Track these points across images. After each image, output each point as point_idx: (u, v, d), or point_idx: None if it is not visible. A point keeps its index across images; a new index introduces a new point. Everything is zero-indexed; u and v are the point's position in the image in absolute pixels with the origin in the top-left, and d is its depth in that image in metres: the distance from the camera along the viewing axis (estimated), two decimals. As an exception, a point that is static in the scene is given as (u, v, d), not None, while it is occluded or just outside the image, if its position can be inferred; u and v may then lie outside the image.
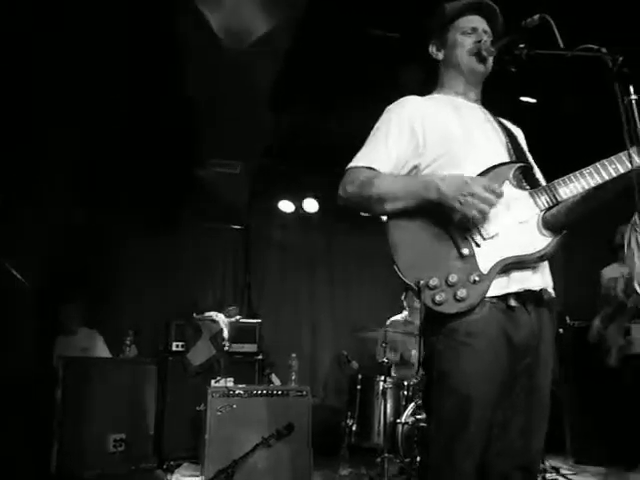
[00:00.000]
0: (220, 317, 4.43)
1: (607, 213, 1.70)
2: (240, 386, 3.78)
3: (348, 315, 6.22)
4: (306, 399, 3.89)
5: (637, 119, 1.34)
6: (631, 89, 1.35)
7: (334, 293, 6.45)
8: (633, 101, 1.35)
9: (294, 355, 4.10)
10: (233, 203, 5.57)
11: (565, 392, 4.97)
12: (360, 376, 4.26)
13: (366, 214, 1.71)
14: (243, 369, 4.59)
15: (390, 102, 1.83)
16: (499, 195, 1.55)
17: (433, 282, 1.52)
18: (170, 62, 3.77)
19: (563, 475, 4.30)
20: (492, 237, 1.57)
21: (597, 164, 1.58)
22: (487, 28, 1.85)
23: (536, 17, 1.63)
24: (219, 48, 3.44)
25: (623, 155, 1.55)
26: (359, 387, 4.20)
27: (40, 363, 4.60)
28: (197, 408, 3.82)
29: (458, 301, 1.50)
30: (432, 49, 1.93)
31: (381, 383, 4.07)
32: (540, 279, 1.64)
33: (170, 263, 5.69)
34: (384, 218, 1.68)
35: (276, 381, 4.41)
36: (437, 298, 1.51)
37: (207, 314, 4.78)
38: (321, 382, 6.00)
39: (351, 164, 1.73)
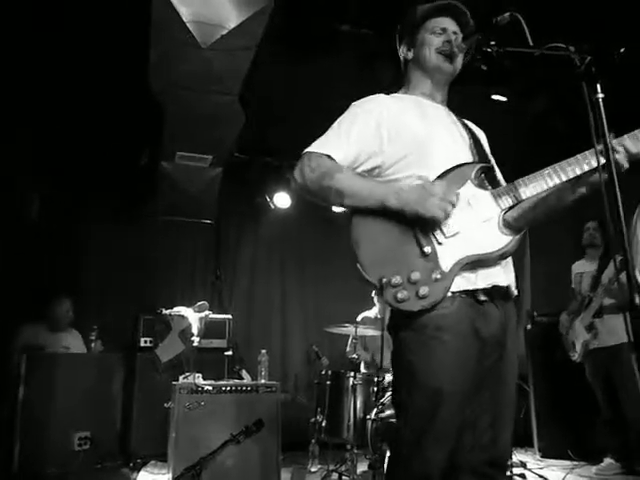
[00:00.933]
0: (189, 312, 4.35)
1: (573, 210, 1.71)
2: (209, 382, 3.74)
3: (319, 311, 6.22)
4: (276, 395, 3.87)
5: (604, 118, 1.35)
6: (598, 88, 1.36)
7: (305, 288, 6.44)
8: (600, 100, 1.36)
9: (264, 351, 4.07)
10: (204, 197, 5.49)
11: (533, 386, 5.06)
12: (330, 372, 4.25)
13: (320, 203, 1.69)
14: (212, 365, 4.53)
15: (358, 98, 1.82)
16: (457, 196, 1.57)
17: (395, 280, 1.52)
18: (138, 49, 3.68)
19: (530, 469, 4.37)
20: (453, 235, 1.58)
21: (557, 165, 1.60)
22: (457, 29, 1.86)
23: (506, 15, 1.63)
24: (189, 37, 3.37)
25: (581, 156, 1.58)
26: (329, 383, 4.20)
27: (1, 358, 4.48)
28: (165, 405, 3.77)
29: (420, 299, 1.51)
30: (402, 49, 1.94)
31: (351, 379, 4.07)
32: (505, 276, 1.66)
33: (139, 257, 5.59)
34: (345, 211, 1.67)
35: (246, 377, 4.37)
36: (399, 296, 1.51)
37: (176, 309, 4.69)
38: (291, 378, 5.99)
39: (310, 149, 1.70)
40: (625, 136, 1.58)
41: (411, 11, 1.91)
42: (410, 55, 1.91)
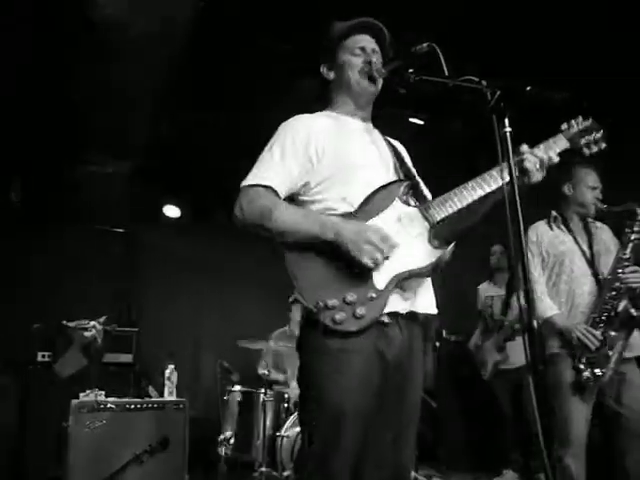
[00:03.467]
0: (93, 325, 4.14)
1: (478, 230, 1.82)
2: (111, 399, 3.56)
3: (232, 326, 6.06)
4: (183, 412, 3.75)
5: (510, 150, 1.42)
6: (506, 122, 1.43)
7: (219, 303, 6.29)
8: (508, 134, 1.43)
9: (172, 366, 3.93)
10: (115, 205, 5.26)
11: (439, 402, 5.23)
12: (241, 388, 4.18)
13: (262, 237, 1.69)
14: (117, 381, 4.33)
15: (278, 112, 1.81)
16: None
17: (332, 302, 1.53)
18: (45, 51, 3.48)
19: (434, 482, 4.50)
20: (387, 255, 1.59)
21: (479, 177, 1.69)
22: (376, 47, 1.90)
23: (425, 45, 1.68)
24: (101, 40, 3.24)
25: (495, 172, 1.67)
26: (239, 399, 4.12)
27: None
28: (63, 424, 3.54)
29: (357, 319, 1.53)
30: (323, 69, 1.95)
31: (262, 395, 4.01)
32: (411, 302, 1.68)
33: (41, 265, 5.24)
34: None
35: (153, 394, 4.20)
36: (337, 317, 1.52)
37: (79, 321, 4.45)
38: (201, 394, 5.82)
39: (247, 182, 1.70)
40: (540, 144, 1.71)
41: (329, 30, 1.92)
42: (331, 75, 1.92)
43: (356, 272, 1.57)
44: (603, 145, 1.83)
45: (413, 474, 4.26)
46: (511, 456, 4.57)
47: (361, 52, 1.87)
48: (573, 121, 1.80)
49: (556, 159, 1.72)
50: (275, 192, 1.67)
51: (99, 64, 3.54)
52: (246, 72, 3.92)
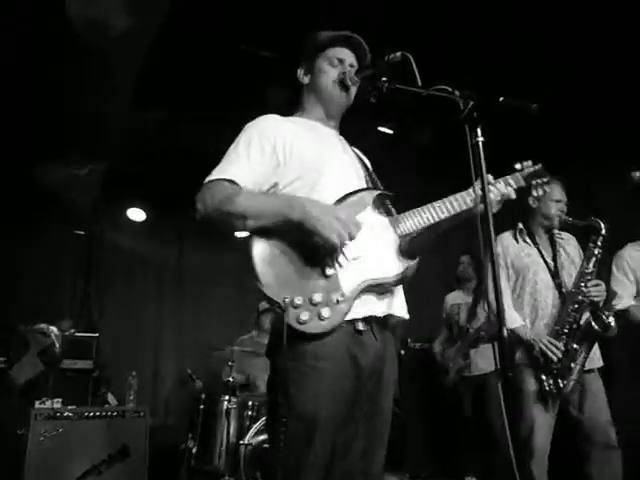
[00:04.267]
0: (52, 330, 4.01)
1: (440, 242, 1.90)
2: (69, 407, 3.46)
3: (195, 332, 5.98)
4: (144, 420, 3.66)
5: (482, 160, 1.44)
6: (479, 132, 1.45)
7: (182, 308, 6.18)
8: (480, 143, 1.44)
9: (134, 373, 3.84)
10: (77, 206, 5.13)
11: (404, 410, 5.26)
12: (204, 395, 4.10)
13: (225, 231, 1.65)
14: (75, 388, 4.20)
15: (251, 116, 1.79)
16: (359, 227, 1.59)
17: (298, 301, 1.52)
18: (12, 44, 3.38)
19: (398, 490, 4.51)
20: (355, 259, 1.60)
21: (446, 199, 1.74)
22: (354, 62, 1.91)
23: (398, 54, 1.70)
24: (73, 38, 3.17)
25: (466, 194, 1.75)
26: (202, 407, 4.04)
27: None
28: (18, 432, 3.41)
29: (321, 320, 1.52)
30: (299, 73, 1.96)
31: (225, 403, 3.94)
32: (387, 305, 1.69)
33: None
34: (246, 234, 1.63)
35: (112, 401, 4.09)
36: (302, 317, 1.50)
37: (37, 326, 4.31)
38: (163, 402, 5.70)
39: (211, 177, 1.67)
40: (499, 179, 1.82)
41: (312, 37, 1.93)
42: (306, 80, 1.93)
43: (325, 272, 1.56)
44: (547, 189, 1.98)
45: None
46: (473, 462, 4.62)
47: (339, 63, 1.89)
48: (525, 163, 1.93)
49: (513, 195, 1.84)
50: (238, 186, 1.65)
51: (70, 64, 3.46)
52: (218, 75, 3.89)
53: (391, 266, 1.65)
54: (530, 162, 1.92)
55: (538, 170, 1.93)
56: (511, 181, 1.85)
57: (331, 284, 1.56)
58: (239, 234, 1.67)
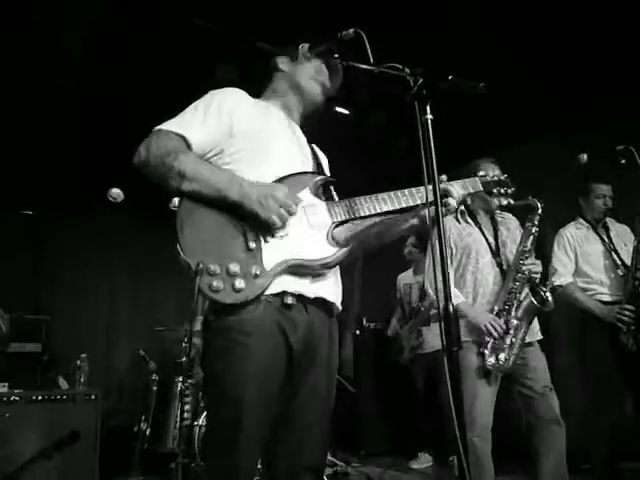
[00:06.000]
0: (-2, 312, 3.88)
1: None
2: (17, 391, 3.36)
3: (149, 312, 5.90)
4: (95, 403, 3.59)
5: (431, 138, 1.44)
6: (428, 109, 1.44)
7: (136, 289, 6.08)
8: (429, 121, 1.44)
9: (84, 355, 3.76)
10: (27, 187, 4.93)
11: (358, 388, 5.33)
12: (157, 377, 4.05)
13: (159, 183, 1.58)
14: (24, 372, 4.09)
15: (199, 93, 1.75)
16: (298, 203, 1.59)
17: (213, 268, 1.48)
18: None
19: (353, 466, 4.58)
20: (282, 237, 1.58)
21: (393, 193, 1.70)
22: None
23: (351, 31, 1.68)
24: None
25: (415, 190, 1.70)
26: (155, 389, 4.00)
27: None
28: (-39, 418, 3.30)
29: (235, 292, 1.48)
30: (281, 59, 1.91)
31: (179, 384, 3.91)
32: (318, 288, 1.65)
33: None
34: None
35: (64, 385, 3.99)
36: (214, 284, 1.47)
37: (-18, 309, 4.16)
38: (116, 384, 5.61)
39: (163, 126, 1.63)
40: (454, 182, 1.76)
41: (314, 35, 1.89)
42: (285, 68, 1.89)
43: (248, 245, 1.53)
44: (512, 201, 1.99)
45: (331, 459, 4.33)
46: (426, 439, 4.75)
47: (331, 72, 1.87)
48: (491, 172, 1.94)
49: (468, 201, 1.80)
50: (188, 145, 1.61)
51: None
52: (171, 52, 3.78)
53: (318, 249, 1.61)
54: (498, 171, 1.89)
55: (504, 180, 1.91)
56: (468, 185, 1.80)
57: (252, 257, 1.52)
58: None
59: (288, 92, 1.88)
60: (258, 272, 1.51)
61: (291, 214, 1.56)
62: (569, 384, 3.63)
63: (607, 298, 3.30)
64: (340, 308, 1.75)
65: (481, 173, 1.89)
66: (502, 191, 1.91)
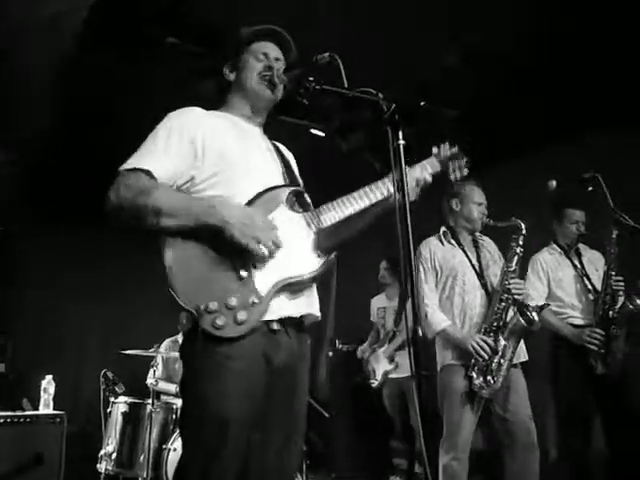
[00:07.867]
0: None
1: (366, 248, 1.88)
2: (-23, 414, 3.25)
3: (118, 334, 5.76)
4: (60, 426, 3.49)
5: (403, 162, 1.46)
6: (400, 135, 1.46)
7: (104, 309, 5.94)
8: (401, 146, 1.46)
9: (49, 377, 3.66)
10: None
11: (331, 410, 5.29)
12: (126, 399, 3.96)
13: (135, 226, 1.56)
14: (-14, 393, 3.96)
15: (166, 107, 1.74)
16: (275, 229, 1.60)
17: (212, 306, 1.48)
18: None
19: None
20: (269, 259, 1.57)
21: (357, 192, 1.77)
22: (280, 56, 1.89)
23: (326, 55, 1.70)
24: None
25: (381, 183, 1.78)
26: (123, 411, 3.91)
27: None
28: None
29: (238, 324, 1.49)
30: (225, 70, 1.91)
31: (148, 406, 3.83)
32: (303, 304, 1.67)
33: None
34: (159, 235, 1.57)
35: (28, 407, 3.88)
36: (218, 322, 1.47)
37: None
38: (83, 407, 5.46)
39: (126, 166, 1.59)
40: (416, 165, 1.88)
41: (235, 33, 1.90)
42: (232, 77, 1.89)
43: (239, 274, 1.53)
44: (466, 172, 2.03)
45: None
46: (396, 462, 4.72)
47: (264, 57, 1.86)
48: (442, 146, 1.97)
49: (430, 180, 1.90)
50: (154, 179, 1.59)
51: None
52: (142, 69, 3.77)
53: (306, 263, 1.63)
54: (447, 144, 1.96)
55: (456, 153, 1.98)
56: (427, 166, 1.90)
57: (246, 286, 1.53)
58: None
59: (241, 99, 1.87)
60: (256, 300, 1.52)
61: (276, 245, 1.57)
62: (540, 404, 3.66)
63: (578, 321, 3.35)
64: (318, 316, 1.76)
65: (434, 150, 1.96)
66: (457, 165, 1.98)
